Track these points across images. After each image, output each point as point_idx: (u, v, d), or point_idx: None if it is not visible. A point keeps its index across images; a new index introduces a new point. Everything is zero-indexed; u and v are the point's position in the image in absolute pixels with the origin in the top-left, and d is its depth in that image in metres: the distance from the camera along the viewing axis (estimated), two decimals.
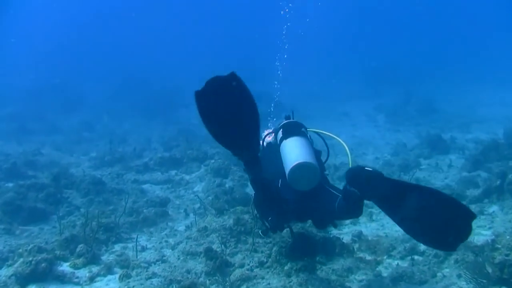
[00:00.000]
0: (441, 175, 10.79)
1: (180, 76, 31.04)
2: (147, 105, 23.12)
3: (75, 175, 10.83)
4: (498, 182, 8.47)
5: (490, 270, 5.31)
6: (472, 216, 3.77)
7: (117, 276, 6.28)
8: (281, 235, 6.41)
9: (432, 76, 28.47)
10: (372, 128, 18.25)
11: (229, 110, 4.13)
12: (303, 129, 5.32)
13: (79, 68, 36.35)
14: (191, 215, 8.81)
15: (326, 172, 5.45)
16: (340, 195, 4.51)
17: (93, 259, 6.64)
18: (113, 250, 7.30)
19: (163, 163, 12.45)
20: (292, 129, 5.16)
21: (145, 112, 22.17)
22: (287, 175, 4.64)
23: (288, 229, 5.95)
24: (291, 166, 4.59)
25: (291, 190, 4.82)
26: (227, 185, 10.10)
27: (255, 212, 6.22)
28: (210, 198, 9.39)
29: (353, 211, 4.35)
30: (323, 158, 5.59)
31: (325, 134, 5.57)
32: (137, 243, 7.33)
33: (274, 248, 6.31)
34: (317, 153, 5.22)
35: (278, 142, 5.16)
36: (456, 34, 48.09)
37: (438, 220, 3.85)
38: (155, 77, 30.35)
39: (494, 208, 8.21)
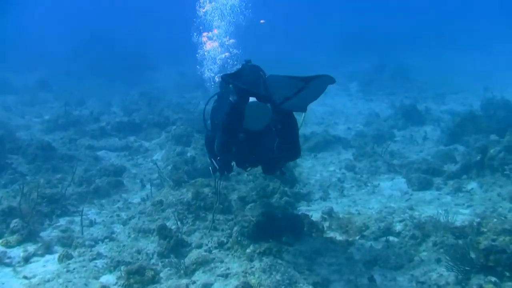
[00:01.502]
0: (416, 148, 10.26)
1: (147, 39, 29.88)
2: (110, 66, 21.97)
3: (22, 138, 9.92)
4: (478, 158, 7.94)
5: (473, 256, 4.73)
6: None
7: (56, 256, 5.50)
8: (244, 214, 5.72)
9: (407, 43, 27.92)
10: (344, 96, 17.59)
11: None
12: (261, 73, 5.31)
13: (42, 22, 34.63)
14: (148, 186, 8.02)
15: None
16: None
17: (30, 236, 5.82)
18: (57, 224, 6.53)
19: (121, 128, 11.61)
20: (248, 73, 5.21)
21: (107, 73, 21.02)
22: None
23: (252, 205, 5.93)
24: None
25: (242, 130, 4.89)
26: (188, 154, 9.35)
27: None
28: (169, 167, 8.62)
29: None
30: None
31: None
32: (85, 217, 6.61)
33: (236, 228, 5.60)
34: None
35: None
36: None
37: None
38: (121, 38, 29.04)
39: (473, 184, 7.71)
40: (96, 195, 7.67)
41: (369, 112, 13.78)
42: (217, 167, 5.55)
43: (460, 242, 5.21)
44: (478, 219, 5.26)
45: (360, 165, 9.05)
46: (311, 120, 9.12)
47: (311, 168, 9.17)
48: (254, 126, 4.82)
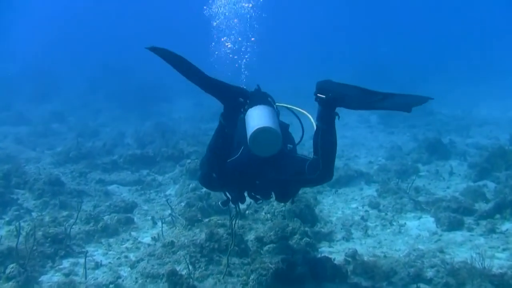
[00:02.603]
0: (442, 183, 9.69)
1: (162, 69, 29.78)
2: (126, 98, 21.80)
3: (30, 172, 9.56)
4: None
5: None
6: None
7: None
8: (262, 261, 5.21)
9: (427, 76, 27.42)
10: (364, 128, 17.10)
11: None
12: (269, 99, 5.22)
13: (59, 56, 34.88)
14: (160, 223, 7.55)
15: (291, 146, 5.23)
16: (311, 158, 4.61)
17: (27, 284, 5.35)
18: (60, 267, 6.07)
19: (134, 161, 11.23)
20: (258, 99, 5.02)
21: (123, 105, 20.84)
22: (248, 140, 4.51)
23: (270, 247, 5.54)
24: (252, 131, 4.48)
25: (252, 156, 4.65)
26: (203, 190, 8.87)
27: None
28: (182, 204, 8.17)
29: (326, 150, 4.49)
30: (295, 133, 5.48)
31: (294, 108, 5.31)
32: (90, 258, 6.17)
33: (253, 276, 5.09)
34: (283, 124, 5.10)
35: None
36: (455, 33, 47.02)
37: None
38: (137, 69, 29.06)
39: (508, 225, 7.12)
40: (104, 233, 7.21)
41: (391, 145, 13.24)
42: (229, 197, 5.19)
43: None
44: None
45: (385, 202, 8.51)
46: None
47: (332, 205, 8.66)
48: (264, 152, 4.54)
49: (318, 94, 4.37)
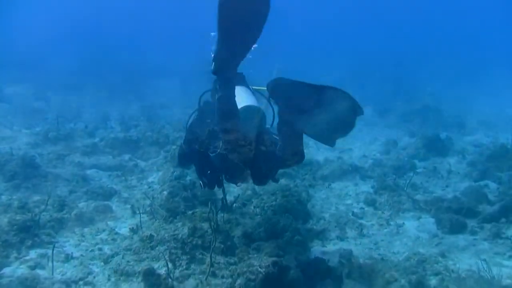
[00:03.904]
0: (440, 181, 9.16)
1: (151, 51, 29.26)
2: (113, 79, 21.15)
3: (2, 152, 8.88)
4: None
5: None
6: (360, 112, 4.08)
7: None
8: (250, 263, 4.64)
9: (423, 71, 26.90)
10: (358, 121, 16.48)
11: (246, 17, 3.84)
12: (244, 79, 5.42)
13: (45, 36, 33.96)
14: (142, 213, 6.95)
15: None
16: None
17: None
18: (27, 258, 5.47)
19: (116, 145, 10.58)
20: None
21: (109, 87, 20.11)
22: None
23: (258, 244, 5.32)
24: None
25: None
26: (188, 178, 8.30)
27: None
28: (165, 193, 7.57)
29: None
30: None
31: (262, 89, 5.45)
32: (60, 250, 5.62)
33: (239, 280, 4.51)
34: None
35: None
36: (447, 29, 46.45)
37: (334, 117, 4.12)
38: (127, 50, 28.43)
39: None
40: (79, 222, 6.60)
41: (386, 139, 12.70)
42: (206, 182, 5.31)
43: None
44: None
45: (381, 199, 7.98)
46: (323, 145, 8.11)
47: (325, 200, 8.11)
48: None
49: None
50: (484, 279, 5.01)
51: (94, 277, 5.12)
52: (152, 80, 22.80)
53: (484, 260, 5.61)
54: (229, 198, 7.20)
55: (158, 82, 22.84)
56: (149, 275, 4.64)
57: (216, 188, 5.43)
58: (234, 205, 6.97)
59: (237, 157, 4.46)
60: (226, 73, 4.32)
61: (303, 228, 6.43)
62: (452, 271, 5.34)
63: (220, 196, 6.84)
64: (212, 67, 4.28)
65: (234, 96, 4.33)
